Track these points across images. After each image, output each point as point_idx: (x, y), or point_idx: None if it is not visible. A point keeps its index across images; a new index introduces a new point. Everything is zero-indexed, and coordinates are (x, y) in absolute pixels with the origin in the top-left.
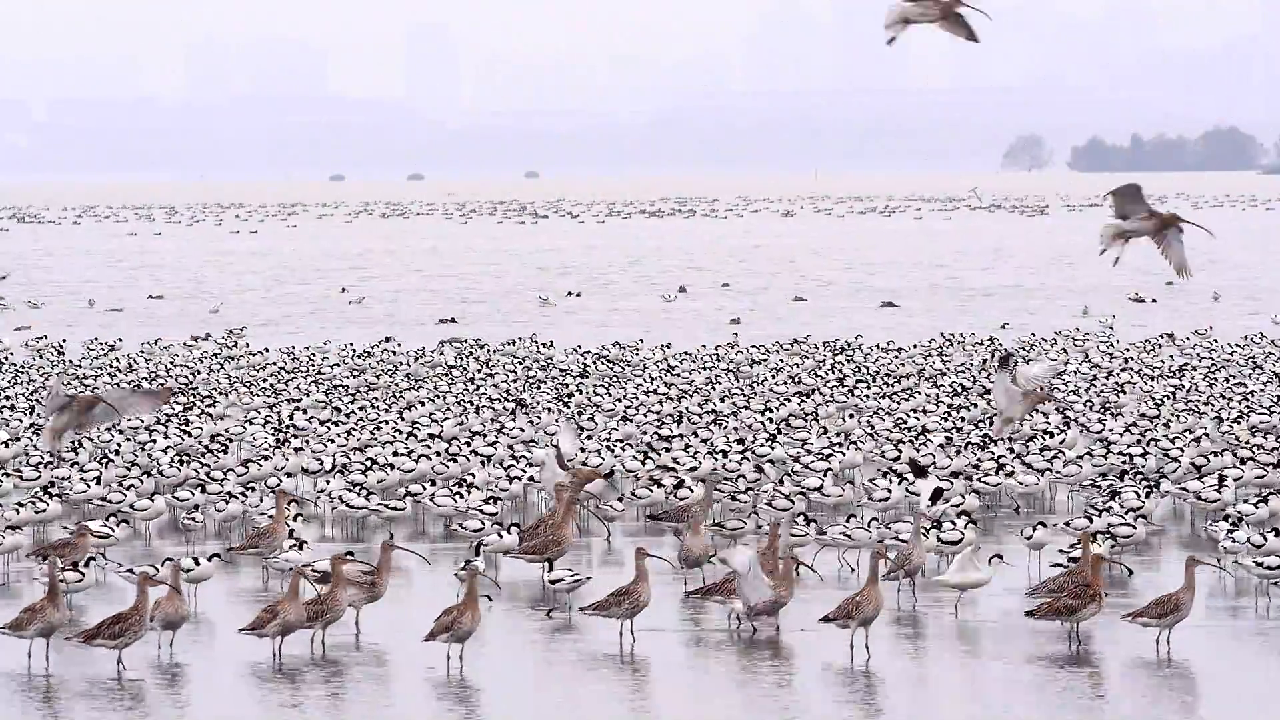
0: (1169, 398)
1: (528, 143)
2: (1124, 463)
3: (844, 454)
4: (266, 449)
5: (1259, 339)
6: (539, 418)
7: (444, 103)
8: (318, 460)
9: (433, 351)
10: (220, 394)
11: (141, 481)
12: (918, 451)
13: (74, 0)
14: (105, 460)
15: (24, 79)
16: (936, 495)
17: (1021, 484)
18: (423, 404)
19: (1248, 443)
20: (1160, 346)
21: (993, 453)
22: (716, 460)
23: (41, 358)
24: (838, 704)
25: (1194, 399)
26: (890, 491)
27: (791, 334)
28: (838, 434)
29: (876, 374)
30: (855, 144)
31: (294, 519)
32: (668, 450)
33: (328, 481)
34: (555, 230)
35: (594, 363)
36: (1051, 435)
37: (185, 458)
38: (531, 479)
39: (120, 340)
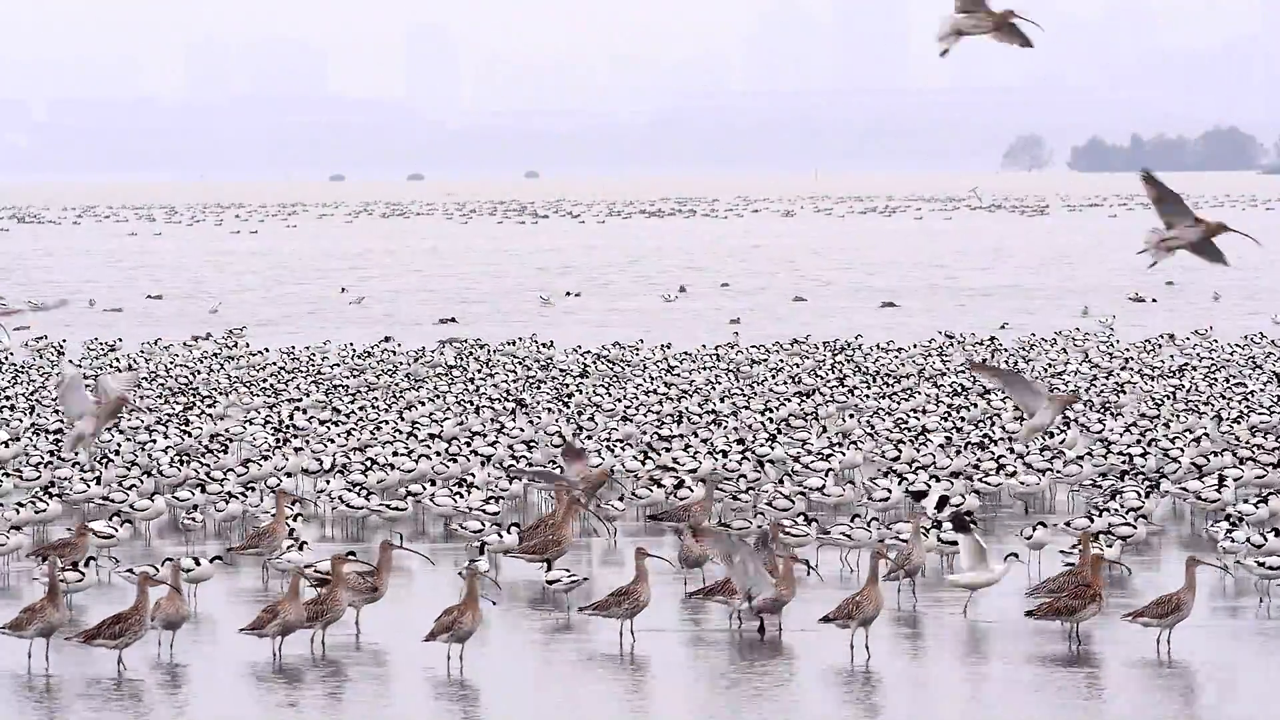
0: (1169, 398)
1: (528, 143)
2: (1124, 463)
3: (844, 454)
4: (266, 449)
5: (1259, 339)
6: (539, 418)
7: (444, 103)
8: (318, 460)
9: (433, 351)
10: (220, 394)
11: (141, 481)
12: (918, 452)
13: (74, 0)
14: (105, 460)
15: (24, 79)
16: (942, 503)
17: (1022, 484)
18: (423, 404)
19: (1248, 443)
20: (1160, 346)
21: (993, 453)
22: (716, 460)
23: (41, 358)
24: (837, 704)
25: (1194, 399)
26: (890, 491)
27: (791, 334)
28: (838, 434)
29: (876, 374)
30: (855, 144)
31: (294, 519)
32: (668, 450)
33: (328, 481)
34: (555, 230)
35: (594, 363)
36: (1052, 435)
37: (185, 458)
38: (531, 479)
39: (120, 340)
